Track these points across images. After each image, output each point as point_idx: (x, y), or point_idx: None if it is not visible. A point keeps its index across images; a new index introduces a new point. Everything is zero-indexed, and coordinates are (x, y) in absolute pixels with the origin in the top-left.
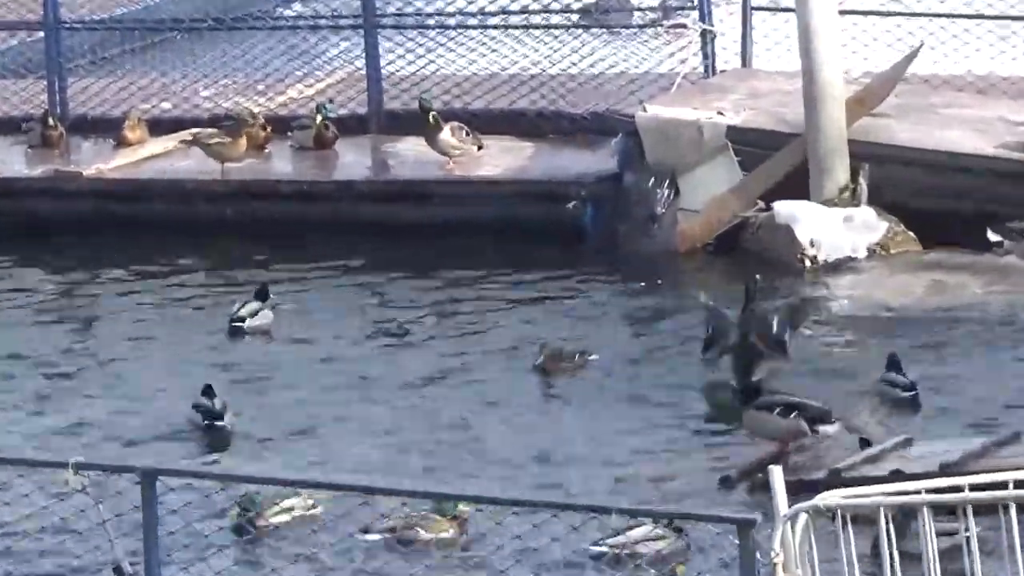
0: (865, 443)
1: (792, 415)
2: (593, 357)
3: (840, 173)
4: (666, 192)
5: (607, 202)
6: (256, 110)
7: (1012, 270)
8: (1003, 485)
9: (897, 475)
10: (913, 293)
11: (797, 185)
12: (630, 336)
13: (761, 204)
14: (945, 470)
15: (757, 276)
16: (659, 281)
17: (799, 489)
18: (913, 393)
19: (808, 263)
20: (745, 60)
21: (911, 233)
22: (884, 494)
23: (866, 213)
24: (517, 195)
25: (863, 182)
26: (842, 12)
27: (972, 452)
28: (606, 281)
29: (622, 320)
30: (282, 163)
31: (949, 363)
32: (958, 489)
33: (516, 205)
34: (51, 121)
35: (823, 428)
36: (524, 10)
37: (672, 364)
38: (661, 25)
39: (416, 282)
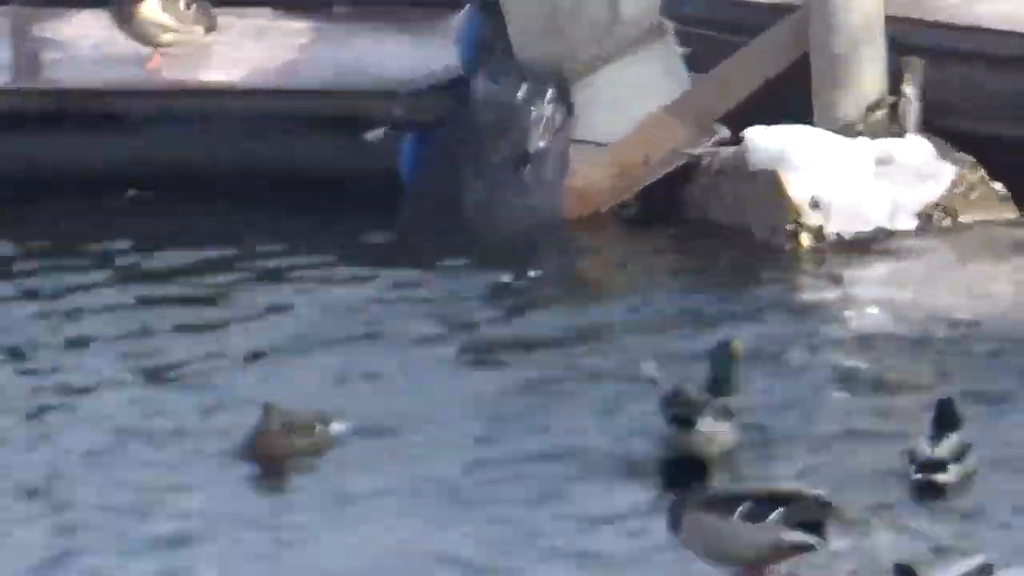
0: (905, 572)
1: (772, 516)
2: (338, 427)
3: (869, 75)
4: (549, 111)
5: (440, 130)
6: None
7: None
8: None
9: None
10: (999, 295)
11: (790, 98)
12: (449, 394)
13: (722, 132)
14: None
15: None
16: (530, 274)
17: None
18: (941, 475)
19: (807, 241)
20: None
21: (999, 185)
22: None
23: (916, 149)
24: (276, 116)
25: (911, 92)
26: None
27: None
28: (426, 276)
29: (442, 362)
30: None
31: None
32: None
33: (274, 134)
34: None
35: (814, 539)
36: None
37: (524, 447)
38: None
39: (74, 266)
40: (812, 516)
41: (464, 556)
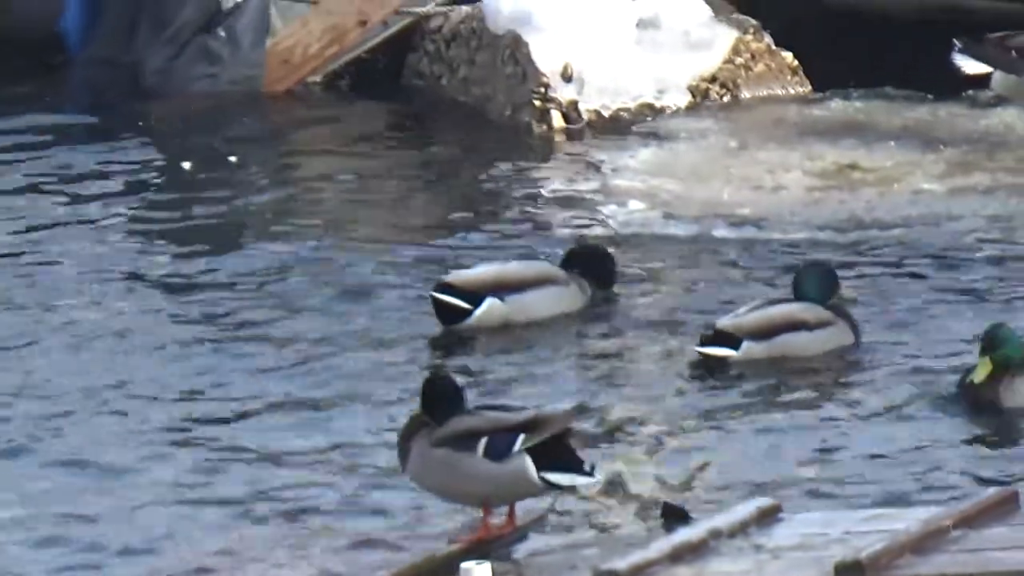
0: (674, 513)
1: (514, 448)
2: None
3: None
4: None
5: None
6: None
7: (1011, 136)
8: None
9: None
10: (788, 187)
11: None
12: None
13: None
14: None
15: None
16: (230, 160)
17: None
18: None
19: (558, 120)
20: None
21: (788, 54)
22: None
23: (687, 9)
24: None
25: None
26: None
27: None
28: (96, 160)
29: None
30: None
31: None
32: None
33: None
34: None
35: (577, 478)
36: None
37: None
38: None
39: None
40: (566, 452)
41: None
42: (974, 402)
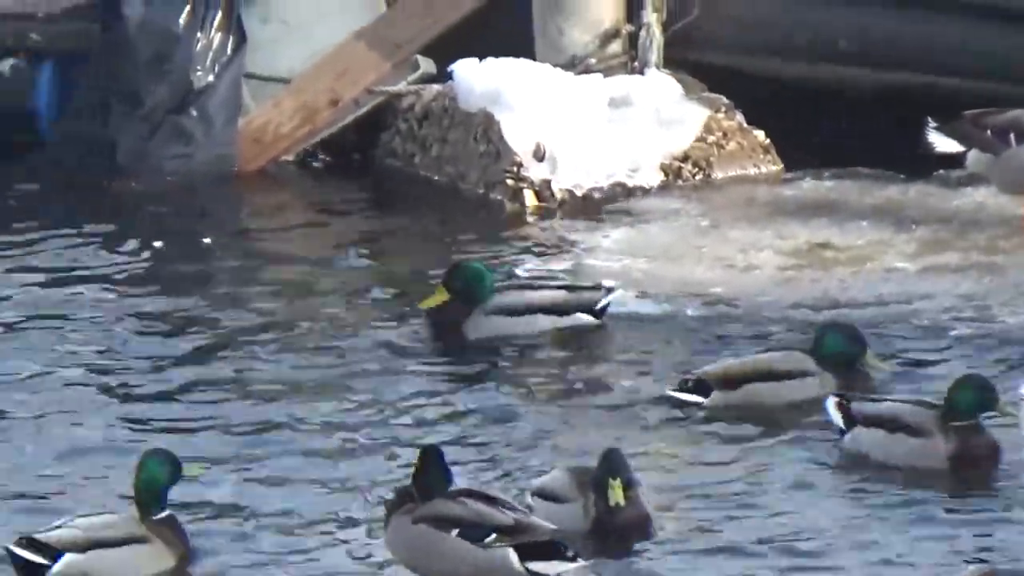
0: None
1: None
2: None
3: None
4: (217, 40)
5: (84, 63)
6: None
7: (982, 214)
8: None
9: None
10: (760, 266)
11: (507, 27)
12: None
13: (426, 67)
14: None
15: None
16: (203, 242)
17: None
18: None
19: (530, 201)
20: None
21: (759, 133)
22: None
23: (659, 88)
24: None
25: (652, 19)
26: None
27: None
28: (70, 246)
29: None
30: None
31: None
32: None
33: None
34: None
35: (561, 566)
36: None
37: None
38: None
39: None
40: (542, 548)
41: None
42: None
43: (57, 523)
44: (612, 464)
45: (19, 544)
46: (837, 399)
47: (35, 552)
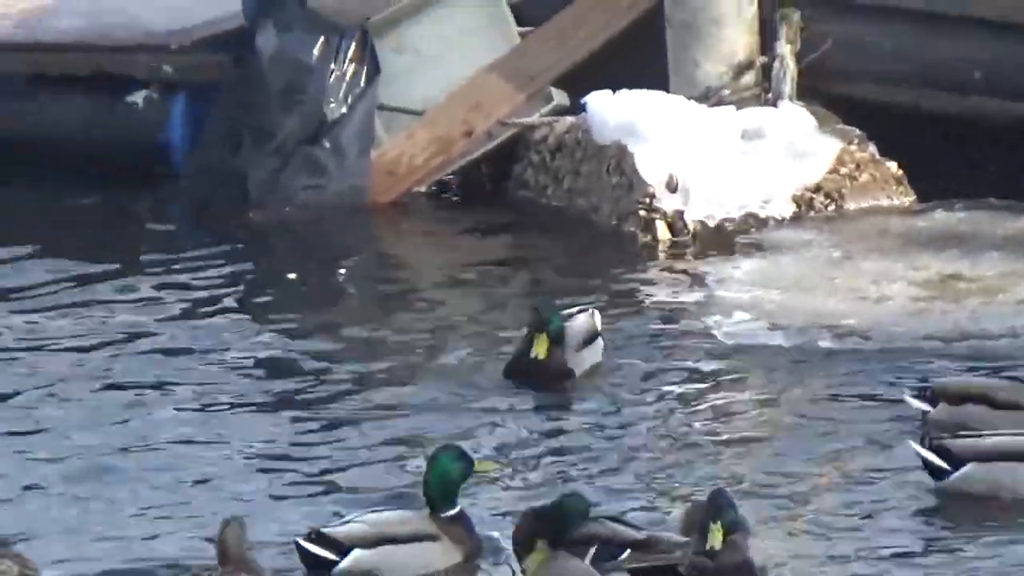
0: None
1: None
2: None
3: (736, 31)
4: (350, 71)
5: (217, 94)
6: None
7: None
8: None
9: None
10: (893, 297)
11: (641, 59)
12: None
13: (559, 99)
14: None
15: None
16: (340, 272)
17: None
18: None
19: (663, 232)
20: None
21: (892, 164)
22: None
23: (792, 120)
24: (15, 75)
25: (786, 51)
26: None
27: None
28: (203, 276)
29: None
30: None
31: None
32: None
33: (9, 96)
34: None
35: None
36: None
37: None
38: None
39: None
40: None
41: None
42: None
43: (346, 518)
44: (716, 506)
45: (308, 539)
46: (924, 441)
47: (324, 547)
